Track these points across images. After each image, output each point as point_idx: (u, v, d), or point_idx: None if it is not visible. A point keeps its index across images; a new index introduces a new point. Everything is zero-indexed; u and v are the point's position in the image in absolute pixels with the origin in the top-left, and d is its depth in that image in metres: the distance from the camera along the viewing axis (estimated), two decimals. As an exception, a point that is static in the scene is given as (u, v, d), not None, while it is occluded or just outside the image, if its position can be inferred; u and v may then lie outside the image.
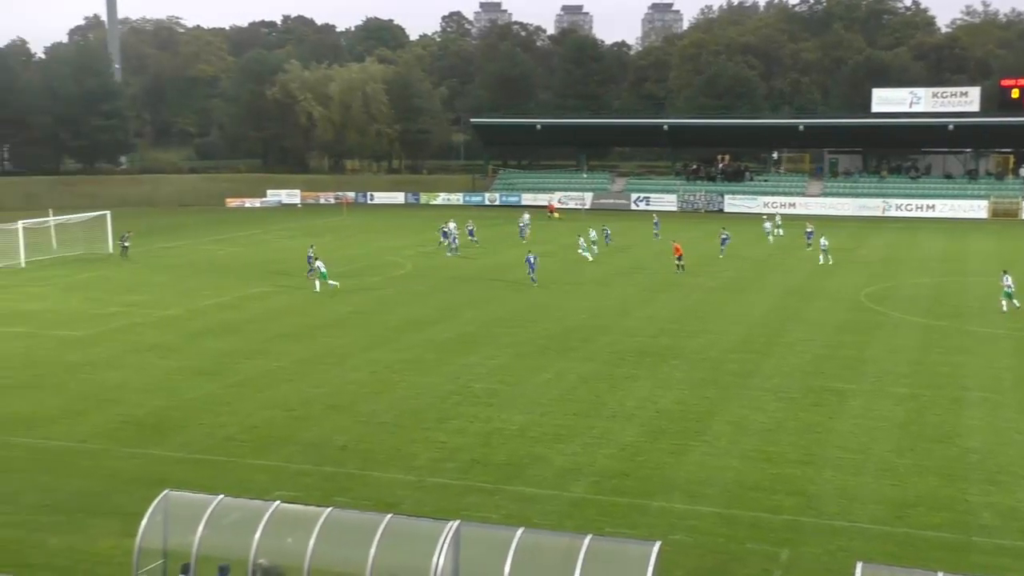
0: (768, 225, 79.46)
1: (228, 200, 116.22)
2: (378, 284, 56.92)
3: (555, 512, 23.31)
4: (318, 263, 54.81)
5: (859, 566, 16.16)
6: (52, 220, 71.38)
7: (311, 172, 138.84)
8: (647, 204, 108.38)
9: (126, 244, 69.44)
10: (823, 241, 65.89)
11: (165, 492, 18.94)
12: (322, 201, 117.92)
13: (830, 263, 63.54)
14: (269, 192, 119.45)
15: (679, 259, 60.88)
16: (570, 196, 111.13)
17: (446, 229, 73.47)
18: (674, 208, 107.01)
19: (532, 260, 57.23)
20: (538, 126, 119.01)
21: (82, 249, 70.41)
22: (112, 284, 58.00)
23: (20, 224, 66.42)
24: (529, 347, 40.38)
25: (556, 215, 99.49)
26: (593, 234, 69.58)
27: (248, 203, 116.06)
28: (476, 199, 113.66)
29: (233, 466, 26.48)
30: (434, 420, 30.50)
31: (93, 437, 28.97)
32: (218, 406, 32.16)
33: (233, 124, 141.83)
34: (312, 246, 61.41)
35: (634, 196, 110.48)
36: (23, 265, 64.29)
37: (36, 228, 69.43)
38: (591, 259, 65.65)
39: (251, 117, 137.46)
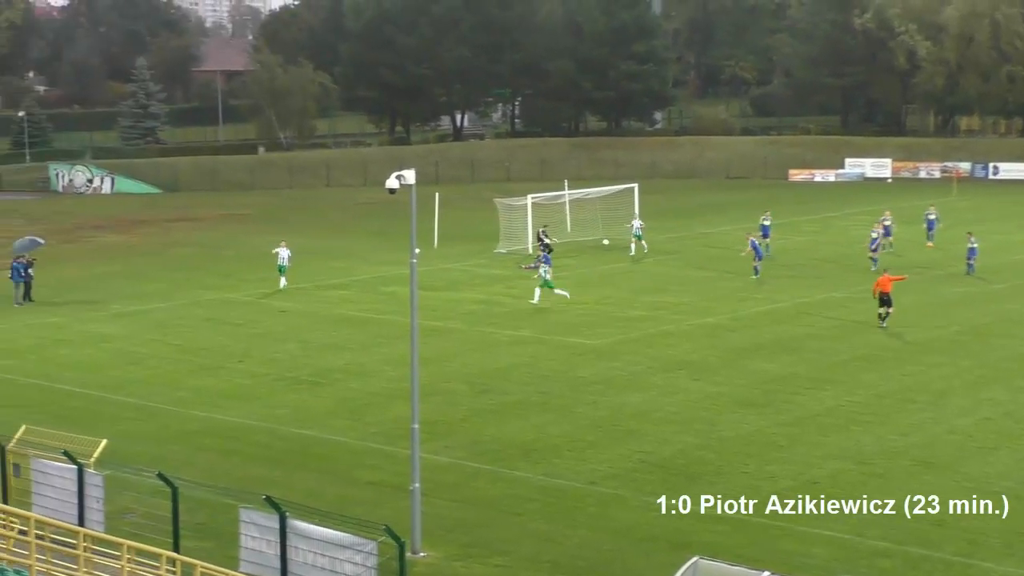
0: None
1: (791, 172, 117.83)
2: (1004, 293, 55.35)
3: None
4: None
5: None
6: (567, 194, 76.10)
7: (908, 134, 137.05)
8: None
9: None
10: None
11: (694, 559, 19.57)
12: (922, 175, 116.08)
13: None
14: (848, 161, 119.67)
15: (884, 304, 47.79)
16: None
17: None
18: None
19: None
20: None
21: (601, 232, 74.52)
22: (636, 279, 60.92)
23: (529, 199, 71.71)
24: None
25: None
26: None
27: (819, 176, 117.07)
28: None
29: (782, 532, 26.83)
30: (1079, 496, 28.91)
31: (605, 478, 30.63)
32: (767, 450, 32.78)
33: (804, 68, 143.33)
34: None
35: None
36: (530, 250, 69.29)
37: (547, 204, 74.54)
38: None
39: (829, 59, 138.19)
